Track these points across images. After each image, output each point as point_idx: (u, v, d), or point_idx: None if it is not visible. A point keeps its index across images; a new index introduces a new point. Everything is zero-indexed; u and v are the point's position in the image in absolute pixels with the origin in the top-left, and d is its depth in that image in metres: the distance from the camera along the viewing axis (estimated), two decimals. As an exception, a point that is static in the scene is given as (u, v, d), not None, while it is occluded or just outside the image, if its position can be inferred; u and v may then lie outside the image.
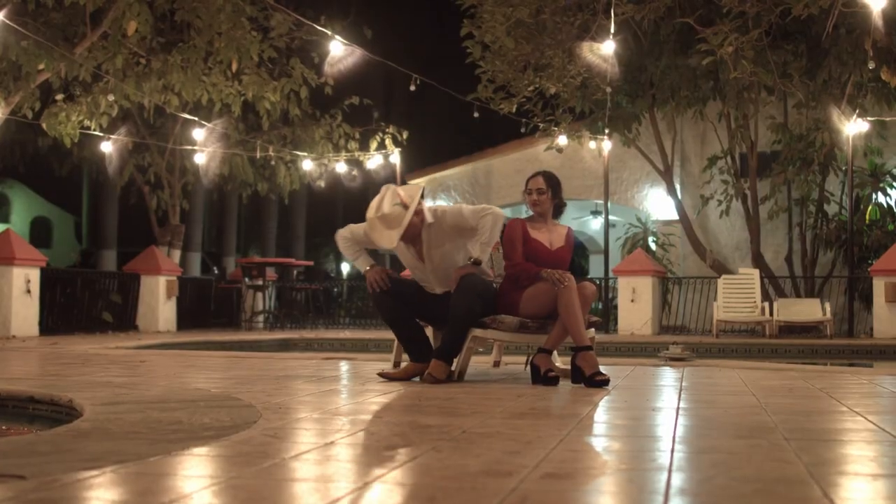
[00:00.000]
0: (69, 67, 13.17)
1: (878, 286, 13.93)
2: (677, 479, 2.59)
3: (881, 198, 17.11)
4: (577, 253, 30.36)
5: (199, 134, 16.54)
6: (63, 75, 13.38)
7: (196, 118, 16.09)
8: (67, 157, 20.79)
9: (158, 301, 15.50)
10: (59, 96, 14.43)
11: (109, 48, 13.39)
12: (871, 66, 13.13)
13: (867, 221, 16.79)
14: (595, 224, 24.09)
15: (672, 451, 3.08)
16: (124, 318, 15.35)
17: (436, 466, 2.78)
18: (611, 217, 18.41)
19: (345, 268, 38.47)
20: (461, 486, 2.48)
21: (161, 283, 15.53)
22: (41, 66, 12.73)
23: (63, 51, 12.99)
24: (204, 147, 16.93)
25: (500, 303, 5.94)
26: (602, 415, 4.23)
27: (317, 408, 4.34)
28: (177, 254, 18.50)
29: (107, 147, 16.24)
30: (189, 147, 17.26)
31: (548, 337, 5.73)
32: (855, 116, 15.01)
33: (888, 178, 17.18)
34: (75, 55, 13.18)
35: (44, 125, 14.34)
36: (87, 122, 14.59)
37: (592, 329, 5.94)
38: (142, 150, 18.38)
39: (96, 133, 15.16)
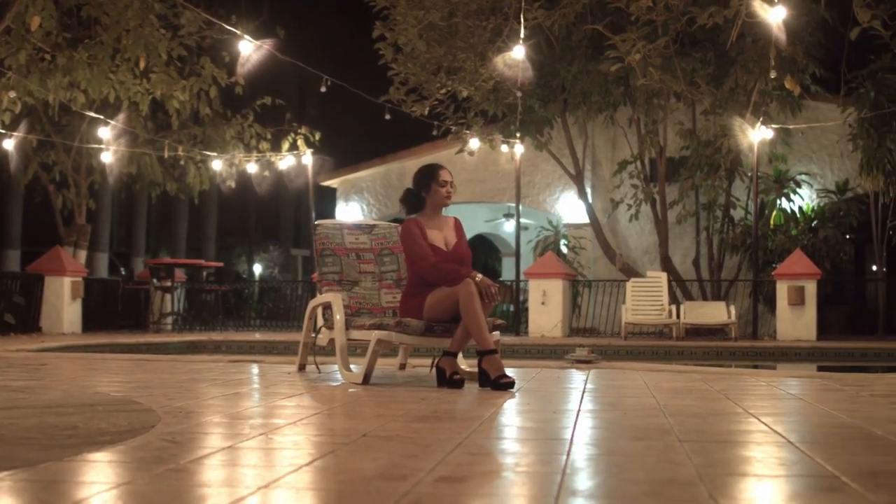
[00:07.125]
0: (-30, 63, 12.84)
1: (782, 289, 14.30)
2: (570, 482, 2.63)
3: (785, 203, 17.55)
4: (488, 255, 30.60)
5: (105, 132, 16.22)
6: (-37, 71, 13.03)
7: (102, 116, 15.78)
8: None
9: (63, 302, 15.16)
10: (-41, 92, 14.04)
11: (12, 43, 13.05)
12: (774, 74, 13.47)
13: (771, 226, 17.22)
14: (507, 227, 24.27)
15: (569, 453, 3.13)
16: (27, 319, 14.97)
17: (333, 470, 2.79)
18: (523, 220, 18.55)
19: (256, 269, 38.05)
20: (356, 490, 2.49)
21: (66, 283, 15.19)
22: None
23: (-37, 45, 12.66)
24: (111, 146, 16.61)
25: (405, 306, 5.93)
26: (504, 418, 4.26)
27: (219, 411, 4.30)
28: (83, 254, 18.11)
29: (9, 144, 15.84)
30: (96, 146, 16.91)
31: (452, 340, 5.74)
32: (759, 124, 15.36)
33: (792, 184, 17.64)
34: (-24, 50, 12.85)
35: (-58, 122, 13.95)
36: (-12, 119, 14.22)
37: (497, 332, 5.94)
38: (47, 148, 17.93)
39: (-2, 129, 14.79)
